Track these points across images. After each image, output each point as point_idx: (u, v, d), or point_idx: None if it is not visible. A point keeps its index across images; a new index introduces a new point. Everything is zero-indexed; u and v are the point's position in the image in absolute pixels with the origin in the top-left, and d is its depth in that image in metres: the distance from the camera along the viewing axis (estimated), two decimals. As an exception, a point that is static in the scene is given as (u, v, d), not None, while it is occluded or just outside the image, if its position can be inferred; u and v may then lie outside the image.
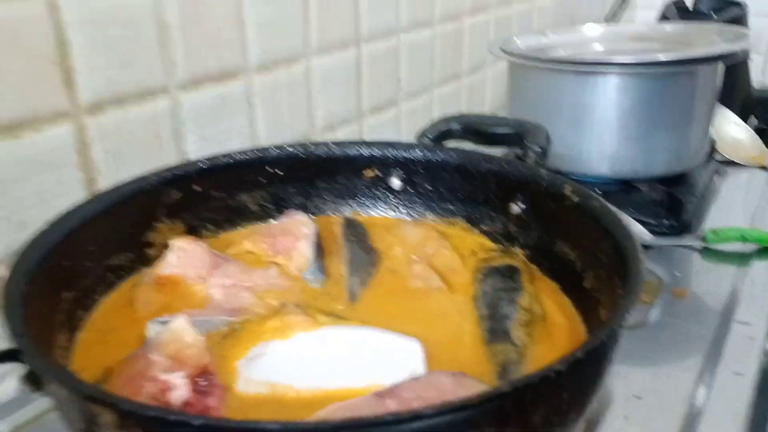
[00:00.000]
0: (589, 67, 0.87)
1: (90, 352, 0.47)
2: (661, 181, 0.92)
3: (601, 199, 0.52)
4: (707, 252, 0.81)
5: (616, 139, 0.89)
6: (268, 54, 0.77)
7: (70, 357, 0.46)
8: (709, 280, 0.76)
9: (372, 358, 0.46)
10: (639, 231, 0.83)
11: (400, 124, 1.04)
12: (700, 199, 0.92)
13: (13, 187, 0.55)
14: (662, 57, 0.85)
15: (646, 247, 0.80)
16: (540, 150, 0.63)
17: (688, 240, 0.82)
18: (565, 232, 0.55)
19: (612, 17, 1.53)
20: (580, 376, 0.35)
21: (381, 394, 0.41)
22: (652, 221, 0.85)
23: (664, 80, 0.86)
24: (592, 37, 1.07)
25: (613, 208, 0.50)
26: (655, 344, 0.64)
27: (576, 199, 0.53)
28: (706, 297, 0.72)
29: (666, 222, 0.85)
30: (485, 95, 1.29)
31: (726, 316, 0.68)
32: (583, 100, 0.88)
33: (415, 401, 0.40)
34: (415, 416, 0.29)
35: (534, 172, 0.58)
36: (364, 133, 0.96)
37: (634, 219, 0.84)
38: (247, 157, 0.63)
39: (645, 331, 0.66)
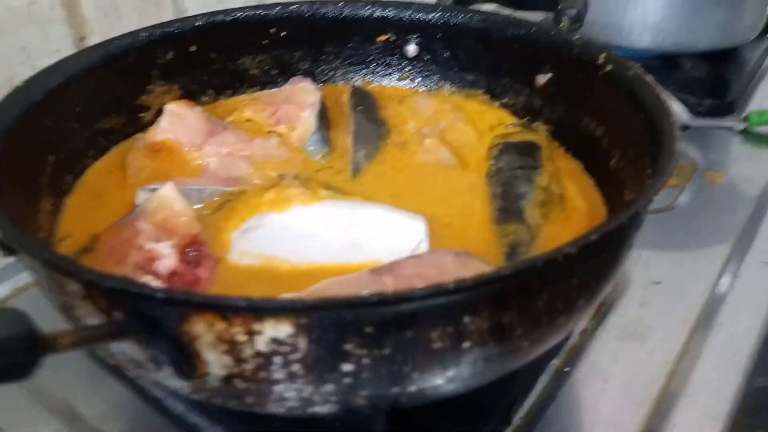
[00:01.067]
0: None
1: (77, 217, 0.45)
2: (706, 56, 0.84)
3: (639, 68, 0.46)
4: (749, 135, 0.74)
5: (661, 7, 0.80)
6: None
7: (56, 222, 0.44)
8: (749, 165, 0.70)
9: (373, 235, 0.43)
10: (677, 109, 0.76)
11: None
12: (748, 78, 0.84)
13: (-5, 42, 0.51)
14: None
15: (684, 127, 0.74)
16: (575, 14, 0.56)
17: (729, 121, 0.75)
18: (594, 105, 0.50)
19: None
20: (592, 262, 0.31)
21: (379, 271, 0.38)
22: (693, 99, 0.78)
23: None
24: None
25: (651, 80, 0.44)
26: (681, 230, 0.60)
27: (609, 67, 0.48)
28: (743, 183, 0.67)
29: (707, 101, 0.78)
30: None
31: (761, 203, 0.63)
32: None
33: (414, 279, 0.38)
34: (402, 298, 0.26)
35: (565, 38, 0.52)
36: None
37: (675, 96, 0.78)
38: (247, 14, 0.57)
39: (672, 216, 0.61)
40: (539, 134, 0.55)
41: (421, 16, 0.59)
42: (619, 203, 0.44)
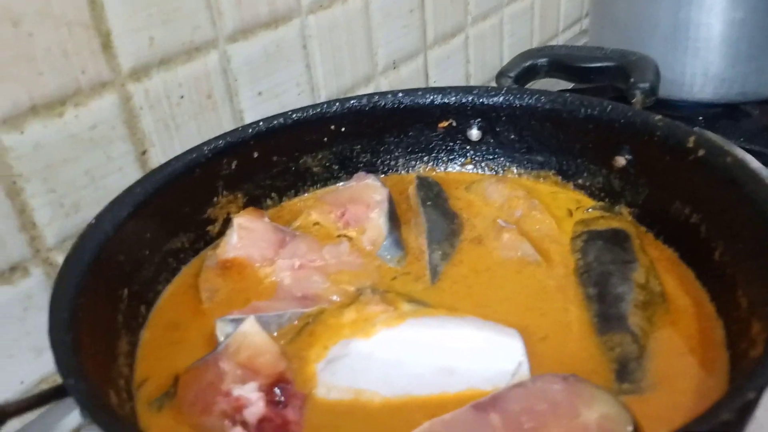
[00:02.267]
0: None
1: (155, 354, 0.43)
2: (775, 103, 0.80)
3: (736, 153, 0.43)
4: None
5: (723, 56, 0.77)
6: (322, -11, 0.68)
7: (134, 362, 0.42)
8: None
9: (466, 357, 0.40)
10: (749, 161, 0.72)
11: (468, 53, 0.94)
12: (824, 123, 0.80)
13: (61, 169, 0.51)
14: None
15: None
16: (648, 88, 0.54)
17: (812, 173, 0.71)
18: (685, 190, 0.47)
19: None
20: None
21: (483, 407, 0.35)
22: (765, 150, 0.74)
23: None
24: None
25: (756, 166, 0.41)
26: None
27: (701, 152, 0.44)
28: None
29: (784, 152, 0.73)
30: (559, 12, 1.16)
31: None
32: (687, 15, 0.76)
33: (523, 416, 0.35)
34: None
35: (644, 119, 0.49)
36: (430, 68, 0.87)
37: (746, 149, 0.74)
38: (305, 115, 0.56)
39: None
40: (624, 219, 0.51)
41: (482, 99, 0.57)
42: (731, 302, 0.40)
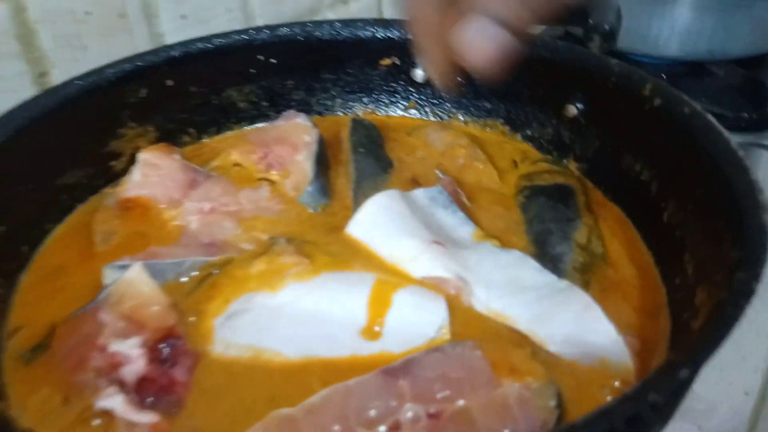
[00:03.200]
0: None
1: (33, 301, 0.38)
2: (742, 63, 0.76)
3: (695, 105, 0.38)
4: (794, 153, 0.67)
5: (690, 10, 0.73)
6: None
7: (7, 309, 0.37)
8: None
9: (385, 314, 0.35)
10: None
11: (427, -7, 0.88)
12: (789, 86, 0.77)
13: (-63, 86, 0.44)
14: None
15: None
16: (608, 30, 0.49)
17: (770, 137, 0.68)
18: (638, 143, 0.43)
19: None
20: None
21: (393, 372, 0.32)
22: (728, 113, 0.70)
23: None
24: None
25: (712, 120, 0.37)
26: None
27: (658, 101, 0.40)
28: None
29: (744, 115, 0.70)
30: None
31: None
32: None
33: (437, 384, 0.31)
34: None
35: (599, 62, 0.45)
36: (384, 6, 0.81)
37: (706, 109, 0.70)
38: (231, 41, 0.50)
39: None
40: (571, 174, 0.47)
41: (429, 36, 0.52)
42: (679, 270, 0.36)
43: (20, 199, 0.40)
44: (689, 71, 0.76)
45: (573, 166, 0.48)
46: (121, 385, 0.32)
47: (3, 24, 0.46)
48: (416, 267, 0.38)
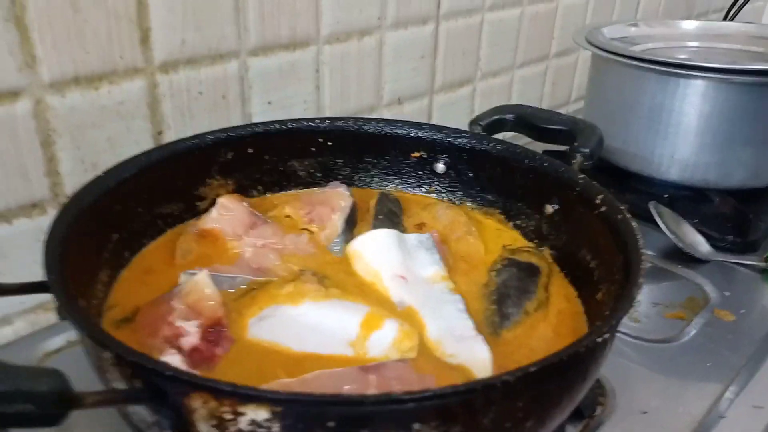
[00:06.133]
0: (672, 69, 0.82)
1: (127, 290, 0.53)
2: (736, 193, 0.87)
3: (627, 215, 0.51)
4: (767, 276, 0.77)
5: (692, 145, 0.85)
6: (342, 24, 0.79)
7: (109, 291, 0.52)
8: (761, 306, 0.72)
9: (371, 334, 0.48)
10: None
11: (474, 104, 1.04)
12: (776, 219, 0.87)
13: (88, 133, 0.62)
14: (758, 66, 0.80)
15: (703, 260, 0.77)
16: (588, 152, 0.63)
17: (749, 259, 0.78)
18: (590, 239, 0.55)
19: (734, 10, 1.42)
20: (536, 390, 0.36)
21: (366, 369, 0.44)
22: (715, 234, 0.81)
23: (755, 91, 0.81)
24: (688, 32, 1.01)
25: (635, 226, 0.49)
26: (679, 363, 0.62)
27: (603, 208, 0.53)
28: (753, 323, 0.69)
29: (729, 238, 0.81)
30: (573, 82, 1.25)
31: (766, 346, 0.65)
32: (662, 102, 0.84)
33: (394, 381, 0.43)
34: (354, 402, 0.31)
35: (570, 176, 0.58)
36: (434, 110, 0.97)
37: (697, 230, 0.81)
38: (300, 126, 0.66)
39: (673, 348, 0.64)
40: (545, 258, 0.60)
41: (450, 139, 0.67)
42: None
43: (132, 218, 0.56)
44: (688, 195, 0.88)
45: (547, 252, 0.61)
46: (179, 350, 0.45)
47: (139, 93, 0.64)
48: (381, 289, 0.52)
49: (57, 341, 0.61)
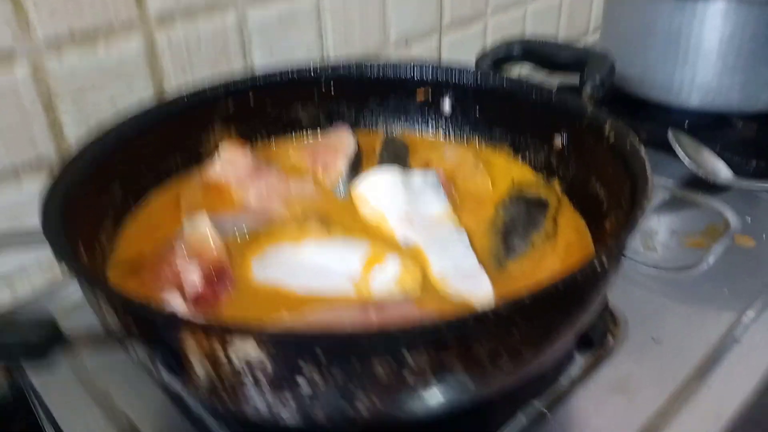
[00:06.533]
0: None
1: (133, 238, 0.54)
2: (759, 118, 0.84)
3: (637, 142, 0.49)
4: (792, 200, 0.74)
5: (713, 69, 0.82)
6: (341, -34, 0.77)
7: (115, 241, 0.53)
8: (785, 232, 0.70)
9: (373, 271, 0.49)
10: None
11: (486, 41, 1.01)
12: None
13: (89, 94, 0.62)
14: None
15: (724, 187, 0.75)
16: (598, 81, 0.60)
17: (772, 185, 0.75)
18: (599, 169, 0.54)
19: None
20: (531, 319, 0.36)
21: (368, 307, 0.44)
22: (738, 159, 0.78)
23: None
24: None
25: (643, 151, 0.47)
26: (696, 291, 0.61)
27: (612, 136, 0.51)
28: (774, 249, 0.67)
29: (753, 162, 0.78)
30: (591, 12, 1.21)
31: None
32: (680, 25, 0.81)
33: (396, 320, 0.43)
34: (336, 336, 0.32)
35: (579, 106, 0.56)
36: (443, 50, 0.95)
37: (719, 155, 0.78)
38: (301, 75, 0.65)
39: (691, 276, 0.63)
40: (554, 191, 0.59)
41: (455, 78, 0.65)
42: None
43: (134, 172, 0.57)
44: (709, 122, 0.85)
45: (557, 185, 0.59)
46: (181, 290, 0.46)
47: (138, 51, 0.63)
48: (387, 230, 0.52)
49: (74, 298, 0.63)
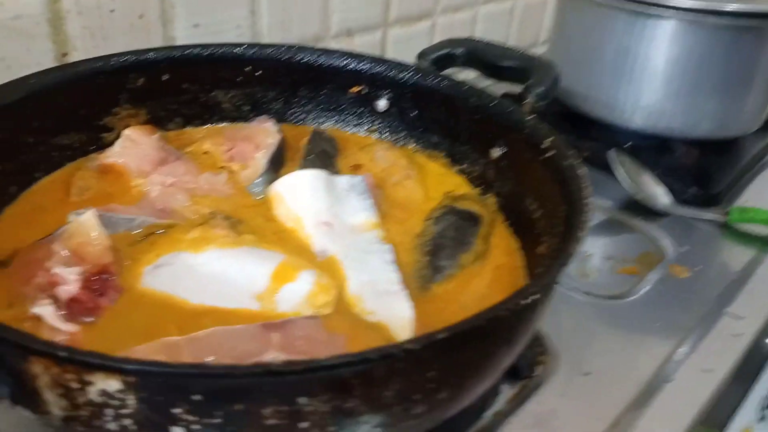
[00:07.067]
0: (641, 7, 0.76)
1: (9, 229, 0.46)
2: (700, 144, 0.82)
3: (577, 162, 0.45)
4: (727, 231, 0.72)
5: (658, 91, 0.79)
6: (282, -58, 0.71)
7: (-12, 230, 0.45)
8: (717, 263, 0.68)
9: (283, 287, 0.43)
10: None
11: (433, 40, 0.96)
12: (740, 172, 0.82)
13: (-26, 50, 0.54)
14: (730, 7, 0.74)
15: (662, 213, 0.73)
16: (542, 92, 0.56)
17: (710, 213, 0.73)
18: (535, 187, 0.50)
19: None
20: (450, 358, 0.31)
21: (270, 326, 0.39)
22: (678, 186, 0.76)
23: (727, 34, 0.75)
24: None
25: (583, 173, 0.44)
26: (628, 320, 0.58)
27: (551, 153, 0.47)
28: (708, 281, 0.65)
29: (692, 189, 0.76)
30: (542, 23, 1.18)
31: (720, 305, 0.61)
32: (628, 45, 0.78)
33: (301, 341, 0.38)
34: (221, 374, 0.26)
35: (518, 117, 0.52)
36: (387, 45, 0.90)
37: (660, 179, 0.76)
38: (224, 51, 0.59)
39: (624, 305, 0.60)
40: (488, 207, 0.54)
41: (393, 73, 0.60)
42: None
43: (21, 147, 0.49)
44: (651, 145, 0.83)
45: (492, 200, 0.55)
46: (55, 300, 0.39)
47: (38, 8, 0.55)
48: (303, 236, 0.47)
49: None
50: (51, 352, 0.26)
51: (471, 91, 0.56)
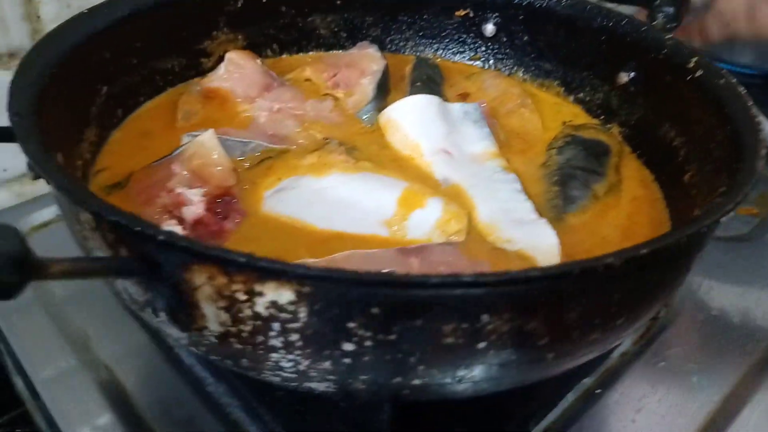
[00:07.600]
0: None
1: (119, 152, 0.44)
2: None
3: (731, 78, 0.41)
4: None
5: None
6: None
7: (97, 153, 0.43)
8: None
9: (411, 213, 0.40)
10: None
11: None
12: None
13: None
14: None
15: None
16: (672, 12, 0.52)
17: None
18: (677, 112, 0.45)
19: None
20: (640, 278, 0.28)
21: (407, 251, 0.36)
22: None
23: None
24: None
25: (743, 92, 0.39)
26: (751, 263, 0.54)
27: (699, 72, 0.43)
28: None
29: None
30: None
31: None
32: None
33: (441, 267, 0.35)
34: (415, 283, 0.23)
35: (656, 36, 0.48)
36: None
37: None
38: (324, -28, 0.55)
39: (744, 247, 0.56)
40: (613, 136, 0.50)
41: (503, -7, 0.56)
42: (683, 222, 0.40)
43: (124, 69, 0.47)
44: (764, 83, 0.77)
45: (616, 130, 0.51)
46: (180, 221, 0.38)
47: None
48: (422, 164, 0.44)
49: (45, 214, 0.53)
50: (224, 257, 0.24)
51: (596, 10, 0.51)
